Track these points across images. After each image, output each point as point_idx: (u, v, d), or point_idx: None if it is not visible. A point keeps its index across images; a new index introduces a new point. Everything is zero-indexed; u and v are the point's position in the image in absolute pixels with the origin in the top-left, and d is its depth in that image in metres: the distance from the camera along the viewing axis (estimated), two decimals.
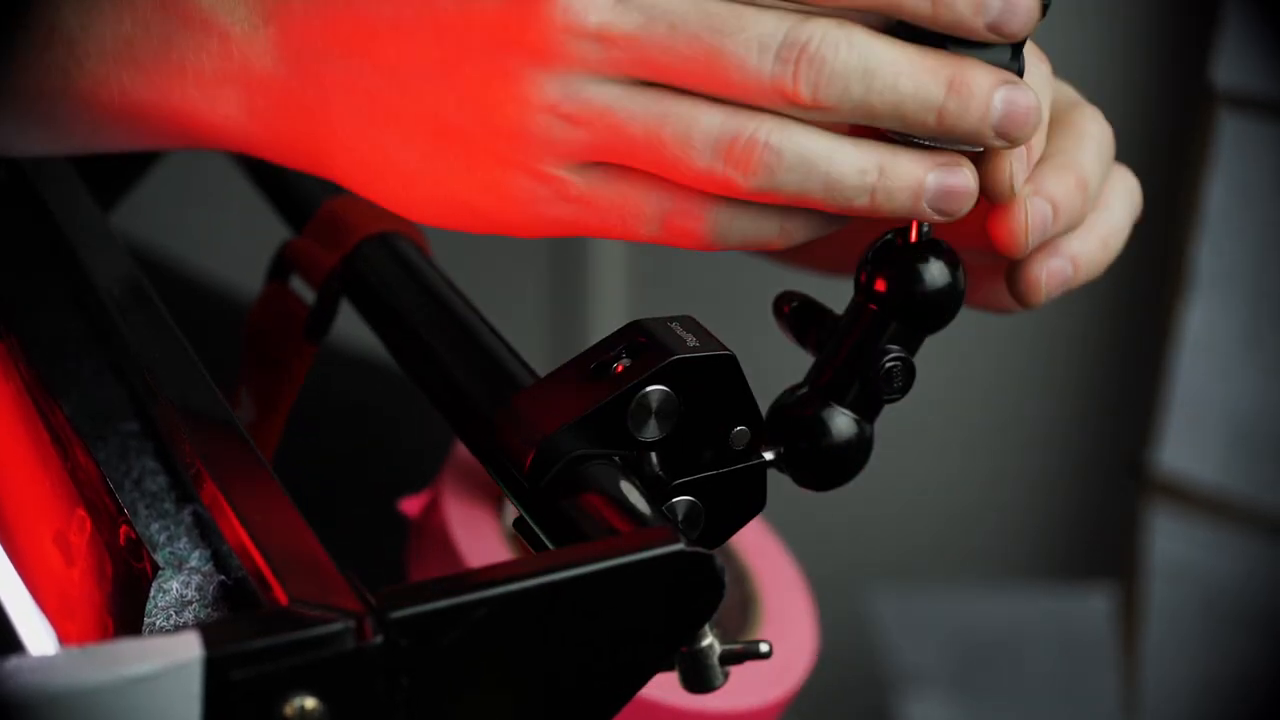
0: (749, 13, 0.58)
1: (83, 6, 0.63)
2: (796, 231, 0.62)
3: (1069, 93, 0.72)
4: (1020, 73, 0.61)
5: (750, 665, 0.62)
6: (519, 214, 0.61)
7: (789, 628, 0.86)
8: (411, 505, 0.87)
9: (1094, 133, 0.69)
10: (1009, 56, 0.61)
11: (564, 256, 1.79)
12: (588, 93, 0.58)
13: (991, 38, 0.59)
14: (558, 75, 0.58)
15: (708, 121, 0.59)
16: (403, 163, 0.62)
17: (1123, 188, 0.71)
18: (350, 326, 0.81)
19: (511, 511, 0.83)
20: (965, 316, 0.66)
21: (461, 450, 0.86)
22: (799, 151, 0.59)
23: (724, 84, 0.58)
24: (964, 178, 0.61)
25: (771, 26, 0.58)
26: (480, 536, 0.82)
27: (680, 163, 0.59)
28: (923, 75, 0.59)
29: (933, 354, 0.68)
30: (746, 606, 0.87)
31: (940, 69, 0.59)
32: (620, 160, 0.60)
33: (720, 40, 0.58)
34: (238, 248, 1.25)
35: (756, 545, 0.90)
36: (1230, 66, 1.38)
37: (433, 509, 0.84)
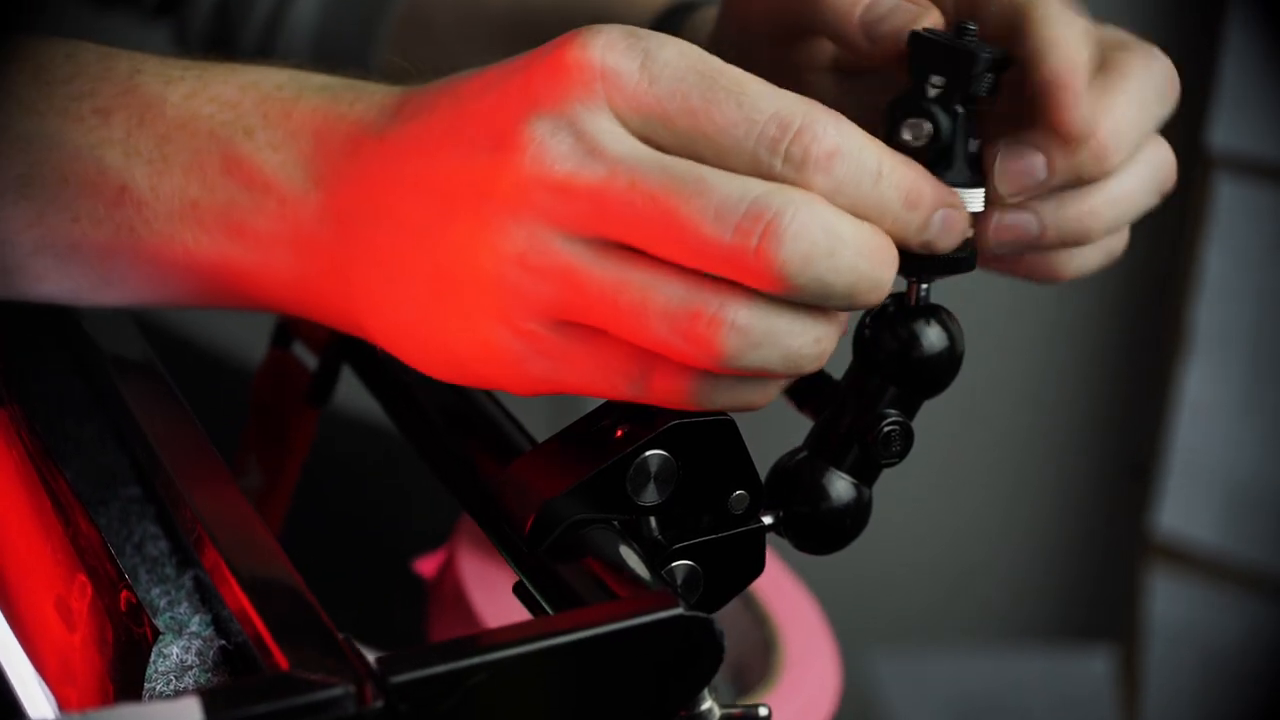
0: (714, 176, 0.56)
1: (154, 169, 0.64)
2: (777, 392, 0.62)
3: (1115, 36, 0.70)
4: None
5: (776, 705, 0.62)
6: (507, 370, 0.61)
7: (811, 670, 0.86)
8: (426, 565, 0.87)
9: (1137, 73, 0.68)
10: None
11: None
12: (553, 247, 0.58)
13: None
14: (525, 226, 0.58)
15: (666, 293, 0.57)
16: (413, 318, 0.62)
17: (1148, 156, 0.70)
18: (359, 390, 0.81)
19: None
20: (963, 381, 0.66)
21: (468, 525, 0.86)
22: (761, 330, 0.57)
23: (681, 250, 0.57)
24: None
25: (736, 192, 0.56)
26: (496, 594, 0.82)
27: (639, 333, 0.58)
28: (878, 254, 0.58)
29: (932, 416, 0.69)
30: (769, 650, 0.87)
31: (889, 249, 0.59)
32: (586, 321, 0.59)
33: (679, 202, 0.56)
34: (240, 314, 1.26)
35: (776, 586, 0.90)
36: (1227, 130, 1.39)
37: (448, 568, 0.85)
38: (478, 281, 0.59)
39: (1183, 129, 1.44)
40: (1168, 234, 1.48)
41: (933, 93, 0.62)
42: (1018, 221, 0.66)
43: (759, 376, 0.60)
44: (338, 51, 1.06)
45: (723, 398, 0.60)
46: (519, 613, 0.81)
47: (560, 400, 1.82)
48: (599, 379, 0.60)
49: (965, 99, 0.62)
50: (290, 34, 1.08)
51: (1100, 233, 0.68)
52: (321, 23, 1.07)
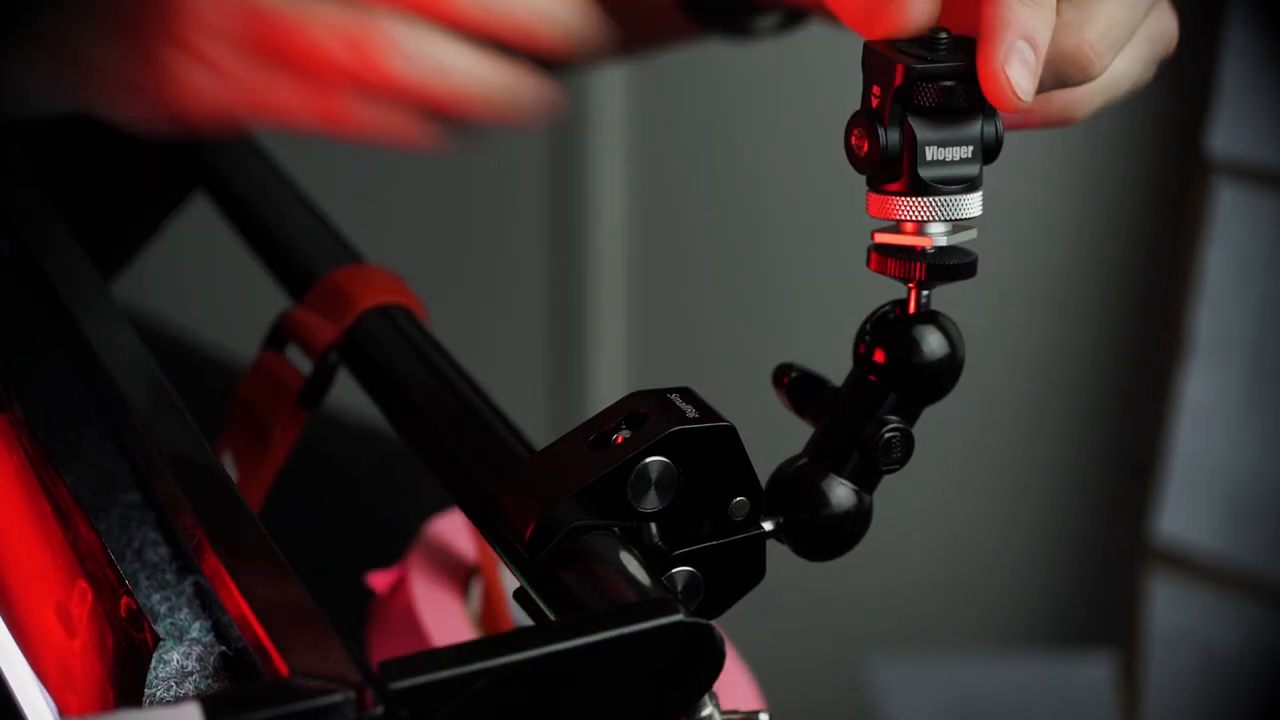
0: None
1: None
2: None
3: None
4: None
5: None
6: (187, 95, 0.71)
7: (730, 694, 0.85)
8: (379, 580, 0.87)
9: None
10: None
11: (563, 325, 1.79)
12: None
13: None
14: None
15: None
16: (107, 67, 0.73)
17: (1145, 31, 0.70)
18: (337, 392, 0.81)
19: (478, 596, 0.84)
20: (962, 386, 0.66)
21: (431, 530, 0.86)
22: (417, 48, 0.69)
23: None
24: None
25: None
26: (446, 618, 0.82)
27: (305, 49, 0.69)
28: None
29: (932, 422, 0.69)
30: None
31: None
32: (263, 44, 0.69)
33: None
34: (240, 317, 1.26)
35: None
36: (1227, 136, 1.39)
37: (399, 588, 0.84)
38: (157, 9, 0.69)
39: (1183, 134, 1.45)
40: (1168, 238, 1.48)
41: (874, 103, 0.62)
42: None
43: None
44: None
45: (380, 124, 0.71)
46: (468, 638, 0.81)
47: (562, 407, 1.82)
48: (269, 105, 0.72)
49: (909, 110, 0.61)
50: None
51: (1087, 111, 0.70)
52: None
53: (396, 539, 0.89)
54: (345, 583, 0.90)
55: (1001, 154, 0.65)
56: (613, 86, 1.71)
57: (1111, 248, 1.53)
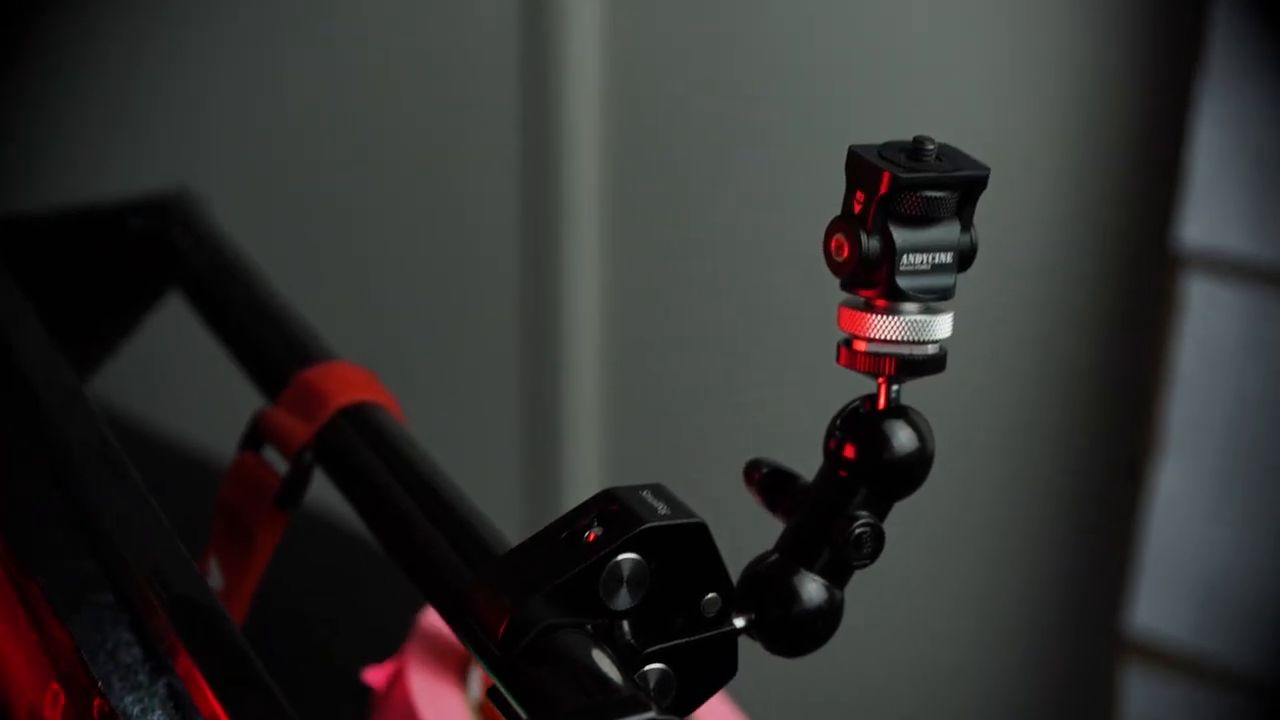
0: None
1: None
2: None
3: None
4: None
5: None
6: None
7: None
8: (376, 676, 0.87)
9: None
10: None
11: (537, 421, 1.80)
12: None
13: None
14: None
15: None
16: None
17: None
18: (317, 492, 0.82)
19: (477, 684, 0.83)
20: (933, 481, 0.67)
21: (427, 621, 0.86)
22: None
23: None
24: None
25: None
26: (445, 709, 0.82)
27: None
28: None
29: (905, 516, 0.69)
30: None
31: None
32: None
33: None
34: (213, 416, 1.26)
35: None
36: (1197, 227, 1.40)
37: (397, 680, 0.84)
38: None
39: (1152, 225, 1.46)
40: (1139, 331, 1.48)
41: (857, 209, 0.63)
42: None
43: None
44: None
45: None
46: None
47: (535, 503, 1.81)
48: None
49: (892, 218, 0.62)
50: None
51: None
52: None
53: (391, 633, 0.89)
54: (342, 680, 0.90)
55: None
56: (585, 188, 1.72)
57: (1082, 340, 1.54)
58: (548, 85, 1.70)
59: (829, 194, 0.65)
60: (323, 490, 0.77)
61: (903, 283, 0.62)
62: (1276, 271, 1.39)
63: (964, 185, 0.63)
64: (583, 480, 1.78)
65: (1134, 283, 1.50)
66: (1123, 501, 1.51)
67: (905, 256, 0.62)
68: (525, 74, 1.72)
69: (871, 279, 0.63)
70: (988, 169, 0.64)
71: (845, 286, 0.64)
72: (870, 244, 0.62)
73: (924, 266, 0.63)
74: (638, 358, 1.77)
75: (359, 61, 1.84)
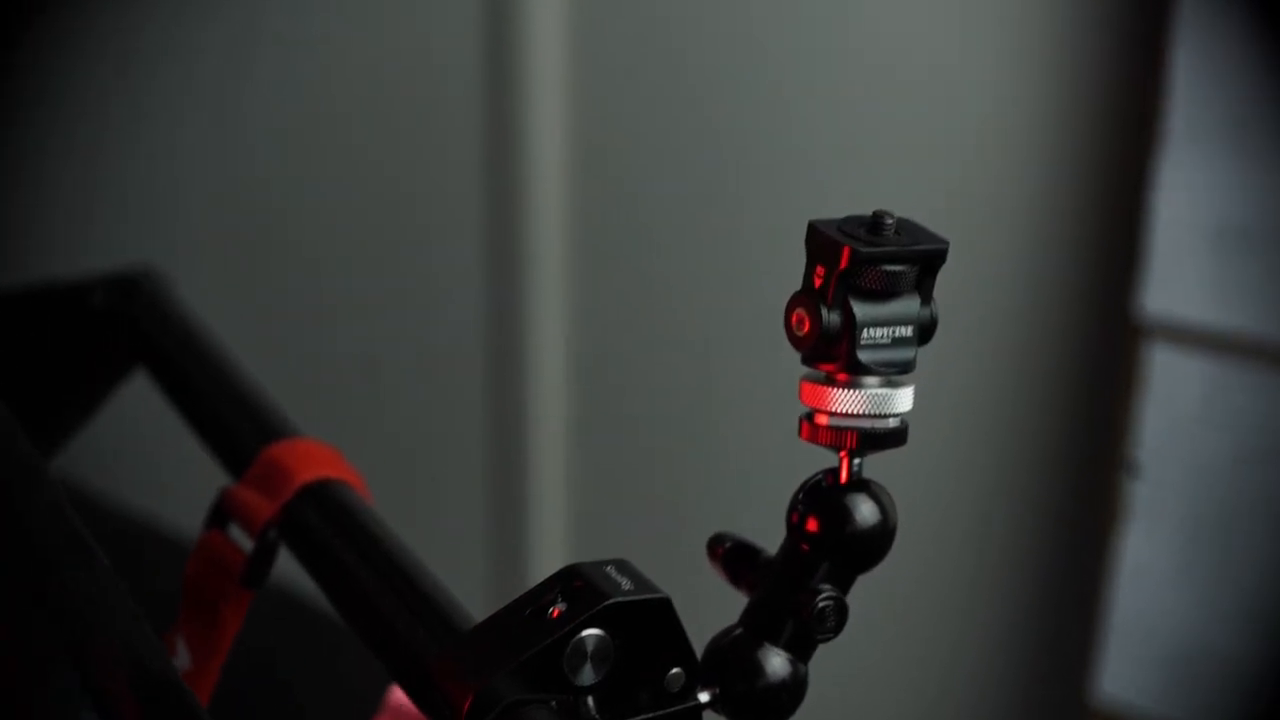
0: None
1: None
2: None
3: None
4: None
5: None
6: None
7: None
8: None
9: None
10: None
11: (503, 498, 1.79)
12: None
13: None
14: None
15: None
16: None
17: None
18: (286, 568, 0.81)
19: None
20: (903, 552, 0.67)
21: (394, 698, 0.86)
22: None
23: None
24: None
25: None
26: None
27: None
28: None
29: (872, 585, 0.69)
30: None
31: None
32: None
33: None
34: (180, 492, 1.26)
35: None
36: (1159, 296, 1.41)
37: None
38: None
39: (1114, 295, 1.46)
40: (1102, 400, 1.49)
41: (817, 283, 0.63)
42: None
43: None
44: None
45: None
46: None
47: (500, 580, 1.80)
48: None
49: (852, 292, 0.62)
50: None
51: None
52: None
53: (359, 709, 0.89)
54: None
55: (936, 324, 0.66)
56: (549, 265, 1.73)
57: (1046, 409, 1.55)
58: (511, 160, 1.71)
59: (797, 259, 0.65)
60: (291, 566, 0.77)
61: (864, 356, 0.63)
62: (1237, 340, 1.39)
63: (923, 259, 0.63)
64: (548, 554, 1.78)
65: (1097, 352, 1.51)
66: (1092, 565, 1.51)
67: (866, 330, 0.63)
68: (488, 153, 1.73)
69: (832, 353, 0.63)
70: (947, 243, 0.64)
71: (806, 361, 0.64)
72: (831, 318, 0.62)
73: (884, 340, 0.63)
74: (603, 432, 1.77)
75: (326, 144, 1.84)
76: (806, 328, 0.63)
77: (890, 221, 0.63)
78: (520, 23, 1.68)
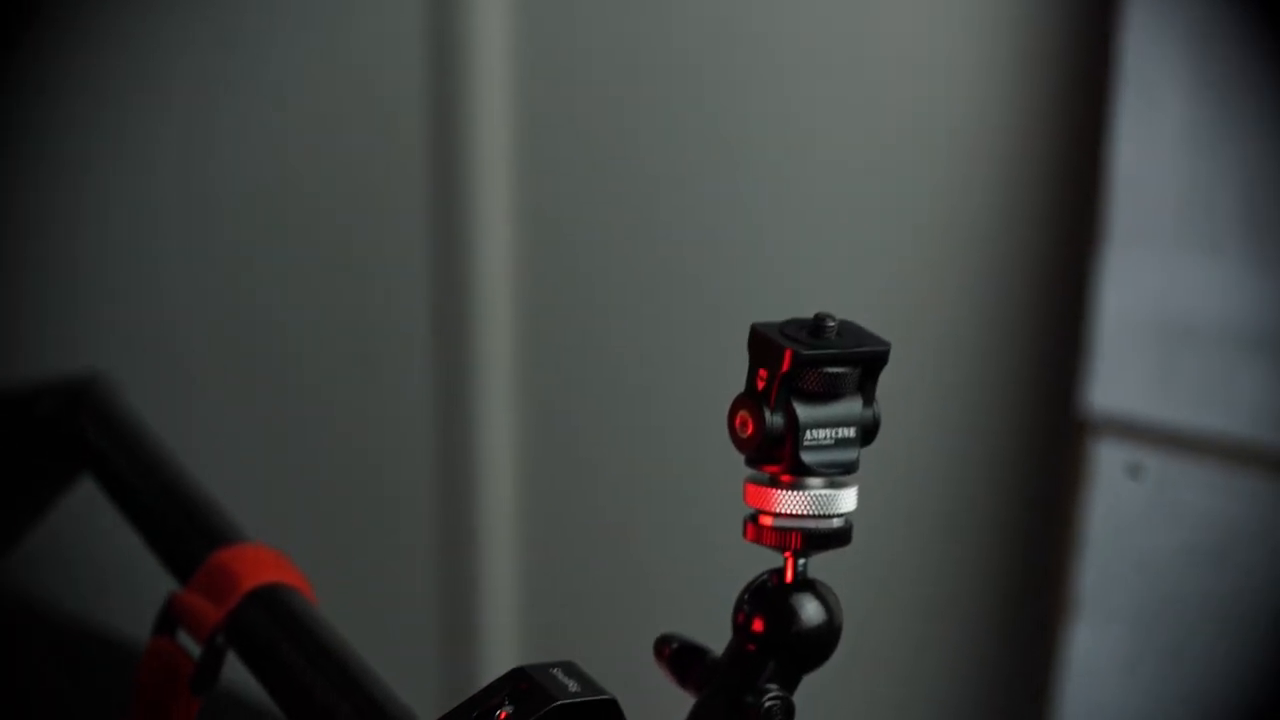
0: None
1: None
2: None
3: None
4: None
5: None
6: None
7: None
8: None
9: None
10: None
11: (452, 602, 1.79)
12: None
13: None
14: None
15: None
16: None
17: None
18: (238, 672, 0.81)
19: None
20: (853, 649, 0.67)
21: None
22: None
23: None
24: None
25: None
26: None
27: None
28: None
29: (818, 687, 0.69)
30: None
31: None
32: None
33: None
34: (129, 598, 1.26)
35: None
36: (1102, 393, 1.42)
37: None
38: None
39: (1059, 392, 1.47)
40: (1049, 497, 1.50)
41: (760, 386, 0.64)
42: None
43: None
44: None
45: None
46: None
47: (450, 678, 1.79)
48: None
49: (794, 394, 0.63)
50: None
51: None
52: None
53: None
54: None
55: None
56: (498, 355, 1.73)
57: (992, 506, 1.55)
58: (456, 236, 1.71)
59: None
60: (241, 670, 0.77)
61: (807, 458, 0.63)
62: (1182, 436, 1.40)
63: (865, 361, 0.64)
64: (498, 654, 1.77)
65: (1041, 447, 1.52)
66: (1041, 660, 1.51)
67: (809, 432, 0.63)
68: (435, 229, 1.74)
69: (776, 455, 0.64)
70: (888, 345, 0.65)
71: (750, 462, 0.65)
72: (774, 420, 0.63)
73: (828, 441, 0.64)
74: (555, 528, 1.77)
75: (271, 230, 1.85)
76: (750, 430, 0.63)
77: (832, 324, 0.64)
78: (467, 137, 1.69)
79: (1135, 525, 1.42)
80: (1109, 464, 1.43)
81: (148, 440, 0.88)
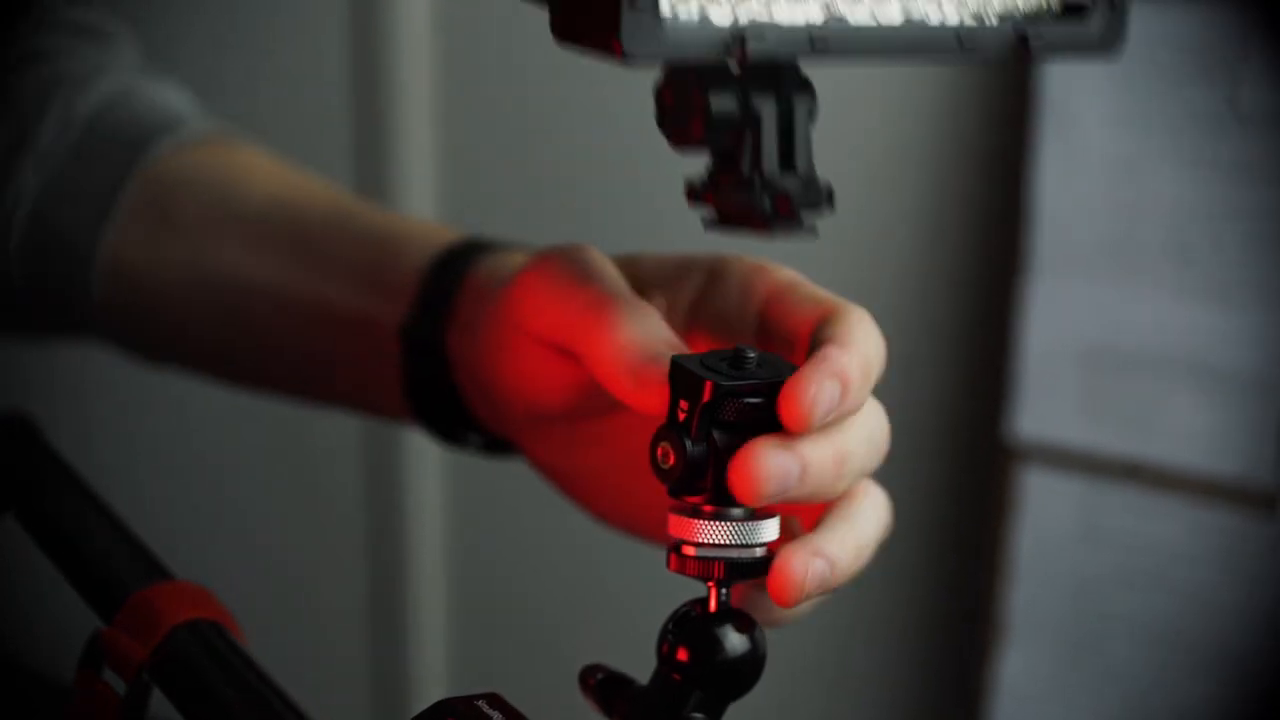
0: None
1: None
2: None
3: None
4: None
5: None
6: None
7: None
8: None
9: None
10: None
11: (382, 631, 1.79)
12: None
13: None
14: None
15: None
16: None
17: (874, 503, 0.73)
18: (165, 708, 0.81)
19: None
20: (777, 685, 0.68)
21: None
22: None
23: None
24: None
25: None
26: None
27: None
28: None
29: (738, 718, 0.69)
30: None
31: None
32: None
33: None
34: (52, 638, 1.25)
35: None
36: (1030, 419, 1.43)
37: None
38: None
39: (984, 419, 1.48)
40: (976, 524, 1.50)
41: (681, 417, 0.64)
42: (818, 569, 0.68)
43: None
44: (59, 240, 1.04)
45: None
46: None
47: (378, 711, 1.77)
48: None
49: (716, 425, 0.64)
50: (5, 212, 1.05)
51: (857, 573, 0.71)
52: (41, 207, 1.05)
53: None
54: None
55: None
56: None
57: (921, 536, 1.56)
58: None
59: None
60: (168, 707, 0.77)
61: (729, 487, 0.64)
62: (1110, 461, 1.41)
63: (764, 390, 0.65)
64: (428, 685, 1.77)
65: (970, 474, 1.52)
66: (970, 687, 1.52)
67: None
68: None
69: (698, 485, 0.64)
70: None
71: (673, 493, 0.65)
72: (695, 450, 0.64)
73: None
74: (482, 567, 1.77)
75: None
76: (672, 460, 0.64)
77: (752, 356, 0.65)
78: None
79: (1064, 550, 1.43)
80: (1038, 490, 1.43)
81: (70, 478, 0.88)
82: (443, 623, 1.78)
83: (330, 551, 1.81)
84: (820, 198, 0.64)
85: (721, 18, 0.59)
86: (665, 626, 0.66)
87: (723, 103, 0.62)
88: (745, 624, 0.66)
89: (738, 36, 0.58)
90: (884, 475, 1.58)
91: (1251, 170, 1.34)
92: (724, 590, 0.66)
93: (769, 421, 0.64)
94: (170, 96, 1.09)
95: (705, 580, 0.65)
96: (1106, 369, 1.40)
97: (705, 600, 0.66)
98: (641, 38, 0.57)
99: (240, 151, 1.04)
